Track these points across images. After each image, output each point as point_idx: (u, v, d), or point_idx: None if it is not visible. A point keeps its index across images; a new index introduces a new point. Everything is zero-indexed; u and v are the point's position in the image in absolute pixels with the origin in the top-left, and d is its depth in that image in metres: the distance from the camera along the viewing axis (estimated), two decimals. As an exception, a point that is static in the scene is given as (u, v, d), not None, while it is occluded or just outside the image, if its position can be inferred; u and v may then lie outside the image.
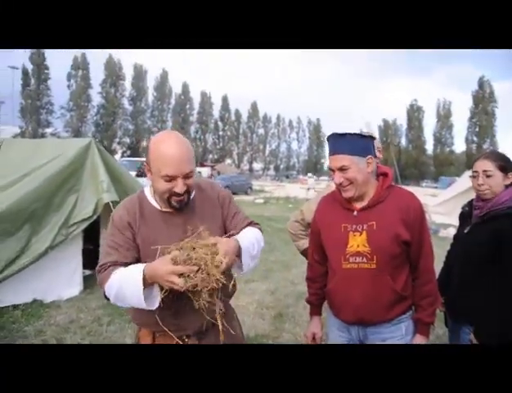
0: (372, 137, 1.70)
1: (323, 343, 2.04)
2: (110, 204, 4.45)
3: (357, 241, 1.64)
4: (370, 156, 1.64)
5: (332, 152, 1.66)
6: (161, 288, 1.28)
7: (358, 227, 1.66)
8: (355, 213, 1.68)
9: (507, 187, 1.94)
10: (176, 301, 1.38)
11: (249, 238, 1.49)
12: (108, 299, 1.41)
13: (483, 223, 1.97)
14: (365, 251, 1.63)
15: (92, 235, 5.17)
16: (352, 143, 1.61)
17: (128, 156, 44.69)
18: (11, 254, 3.88)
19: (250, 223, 1.65)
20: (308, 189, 18.52)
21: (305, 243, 2.39)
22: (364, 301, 1.63)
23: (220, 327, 1.33)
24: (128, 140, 54.98)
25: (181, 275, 1.19)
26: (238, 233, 1.50)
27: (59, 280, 4.45)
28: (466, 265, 2.02)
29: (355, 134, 1.64)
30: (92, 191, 4.60)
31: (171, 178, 1.34)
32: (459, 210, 2.31)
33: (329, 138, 1.69)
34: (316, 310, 1.97)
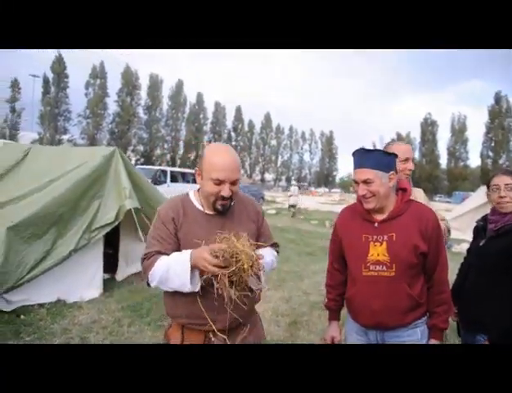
0: (395, 155, 1.82)
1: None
2: (132, 210, 4.63)
3: (378, 251, 1.76)
4: (392, 172, 1.77)
5: (358, 166, 1.78)
6: (202, 274, 1.45)
7: (379, 237, 1.77)
8: (376, 224, 1.80)
9: None
10: (206, 299, 1.51)
11: (269, 258, 1.65)
12: (149, 285, 1.60)
13: (498, 236, 2.06)
14: (384, 260, 1.74)
15: (112, 240, 5.37)
16: (377, 159, 1.74)
17: (142, 164, 45.36)
18: (38, 256, 4.04)
19: (273, 245, 1.83)
20: (290, 196, 18.82)
21: None
22: (383, 306, 1.74)
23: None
24: (141, 148, 55.82)
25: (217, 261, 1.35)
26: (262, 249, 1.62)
27: (81, 282, 4.61)
28: (480, 276, 2.11)
29: (380, 151, 1.80)
30: (115, 198, 4.78)
31: (220, 182, 1.54)
32: (473, 226, 2.41)
33: (355, 153, 1.82)
34: (334, 315, 2.07)
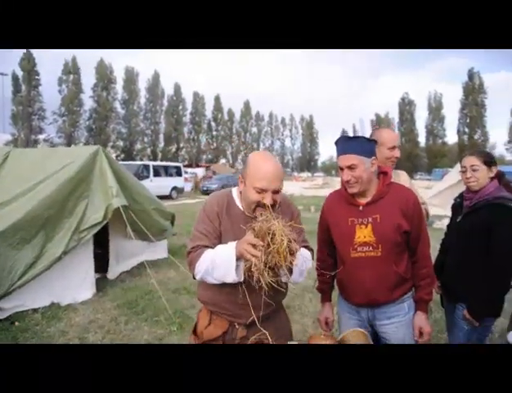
0: (375, 141, 1.93)
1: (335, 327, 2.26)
2: (120, 208, 4.63)
3: (364, 233, 1.87)
4: (374, 157, 1.86)
5: (342, 152, 1.86)
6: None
7: (364, 220, 1.88)
8: (360, 208, 1.90)
9: (492, 179, 2.21)
10: (231, 294, 1.63)
11: (304, 256, 1.62)
12: (194, 278, 1.69)
13: (473, 212, 2.23)
14: (371, 241, 1.86)
15: (101, 239, 5.36)
16: (360, 145, 1.82)
17: (122, 160, 44.68)
18: (28, 261, 4.02)
19: (307, 247, 1.80)
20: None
21: None
22: (373, 285, 1.86)
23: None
24: (121, 143, 54.82)
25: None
26: None
27: (73, 284, 4.62)
28: (458, 250, 2.28)
29: (362, 138, 1.87)
30: (102, 197, 4.76)
31: (262, 191, 1.57)
32: (452, 201, 2.57)
33: (338, 140, 1.90)
34: (326, 297, 2.19)
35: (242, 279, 1.53)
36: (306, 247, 1.78)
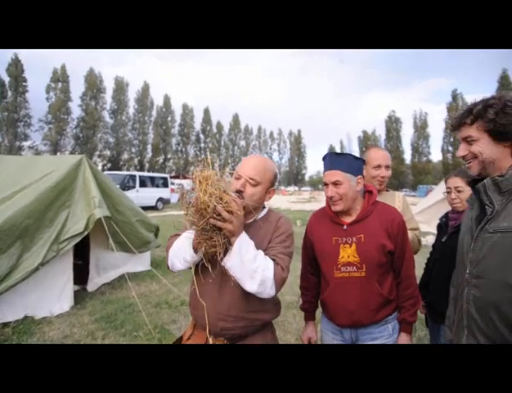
0: (363, 160, 1.91)
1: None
2: (103, 219, 4.53)
3: (348, 253, 1.83)
4: (360, 176, 1.84)
5: (328, 168, 1.84)
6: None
7: (348, 239, 1.84)
8: (345, 227, 1.87)
9: None
10: (198, 300, 1.58)
11: (256, 252, 1.49)
12: (169, 267, 1.70)
13: (458, 232, 2.21)
14: (355, 261, 1.82)
15: (81, 250, 5.22)
16: (347, 162, 1.81)
17: (109, 169, 44.23)
18: (3, 272, 3.86)
19: (275, 259, 1.57)
20: None
21: None
22: (357, 306, 1.81)
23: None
24: (108, 153, 54.32)
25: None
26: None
27: (49, 296, 4.46)
28: (443, 271, 2.25)
29: (350, 155, 1.85)
30: (84, 207, 4.66)
31: (239, 177, 1.63)
32: (437, 218, 2.57)
33: (326, 156, 1.88)
34: (310, 316, 2.14)
35: (196, 254, 1.51)
36: (276, 263, 1.55)
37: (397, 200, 2.40)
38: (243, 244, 1.45)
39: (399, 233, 1.85)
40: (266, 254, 1.55)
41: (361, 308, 1.82)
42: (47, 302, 4.41)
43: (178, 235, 1.68)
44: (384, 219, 1.85)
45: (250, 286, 1.48)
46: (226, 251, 1.45)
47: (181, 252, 1.56)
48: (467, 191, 2.20)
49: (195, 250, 1.50)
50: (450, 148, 57.66)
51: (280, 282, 1.52)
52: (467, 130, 1.41)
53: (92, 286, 5.35)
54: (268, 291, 1.49)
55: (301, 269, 2.16)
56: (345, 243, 1.84)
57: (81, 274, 5.24)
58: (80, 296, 4.97)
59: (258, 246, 1.53)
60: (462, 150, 1.44)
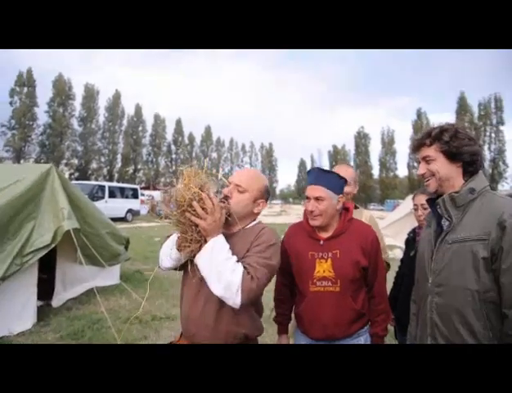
0: (345, 180, 1.96)
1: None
2: (71, 231, 4.37)
3: (323, 267, 1.88)
4: (341, 195, 1.91)
5: (312, 183, 1.89)
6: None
7: (324, 254, 1.89)
8: (321, 242, 1.92)
9: None
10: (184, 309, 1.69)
11: (228, 256, 1.49)
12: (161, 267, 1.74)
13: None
14: (330, 276, 1.87)
15: (47, 264, 5.00)
16: (332, 180, 1.87)
17: (76, 178, 42.83)
18: (-40, 286, 3.65)
19: (247, 267, 1.52)
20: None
21: None
22: (331, 320, 1.86)
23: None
24: (76, 161, 52.67)
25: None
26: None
27: (10, 312, 4.20)
28: (411, 285, 2.34)
29: (335, 174, 1.92)
30: (51, 219, 4.47)
31: (230, 184, 1.71)
32: (404, 232, 2.68)
33: (311, 171, 1.94)
34: (284, 329, 2.15)
35: (179, 253, 1.57)
36: (248, 272, 1.50)
37: (364, 219, 2.43)
38: (216, 244, 1.49)
39: (373, 250, 1.92)
40: (241, 262, 1.53)
41: (336, 322, 1.86)
42: (7, 319, 4.15)
43: (164, 237, 1.76)
44: (359, 235, 1.92)
45: (215, 288, 1.47)
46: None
47: (167, 249, 1.63)
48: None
49: (178, 248, 1.55)
50: (415, 164, 60.05)
51: (247, 291, 1.45)
52: (426, 150, 1.61)
53: (57, 301, 5.11)
54: (234, 297, 1.45)
55: (275, 282, 2.17)
56: (321, 258, 1.89)
57: (45, 289, 5.00)
58: (44, 313, 4.73)
59: (237, 255, 1.54)
60: (421, 168, 1.63)
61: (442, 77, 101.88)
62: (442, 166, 1.56)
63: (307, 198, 1.91)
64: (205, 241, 1.50)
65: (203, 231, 1.48)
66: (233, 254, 1.53)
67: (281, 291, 2.13)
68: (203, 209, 1.45)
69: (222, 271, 1.45)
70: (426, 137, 1.60)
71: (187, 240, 1.50)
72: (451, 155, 1.54)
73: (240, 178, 1.68)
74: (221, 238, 1.52)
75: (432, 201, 1.67)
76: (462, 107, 54.34)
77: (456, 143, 1.53)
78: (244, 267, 1.50)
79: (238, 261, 1.52)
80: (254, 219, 1.76)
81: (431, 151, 1.58)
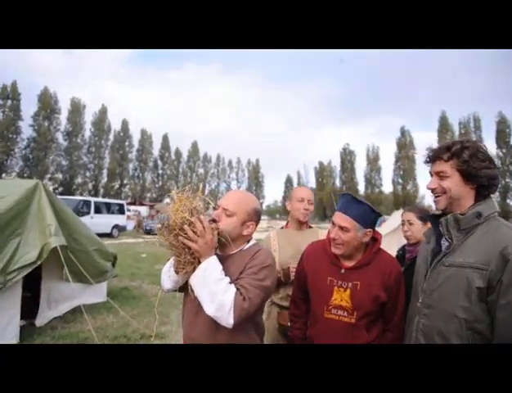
0: (379, 214, 1.86)
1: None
2: (58, 248, 4.29)
3: (341, 296, 1.81)
4: (370, 230, 1.80)
5: (341, 210, 1.79)
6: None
7: (344, 283, 1.82)
8: (342, 270, 1.84)
9: None
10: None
11: (221, 277, 1.52)
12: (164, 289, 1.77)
13: (413, 264, 2.37)
14: (347, 306, 1.80)
15: (31, 281, 4.86)
16: (361, 212, 1.76)
17: (61, 193, 42.10)
18: None
19: (240, 288, 1.55)
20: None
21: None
22: None
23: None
24: (60, 176, 51.83)
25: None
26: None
27: (-9, 333, 4.08)
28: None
29: (368, 206, 1.79)
30: (37, 236, 4.39)
31: (218, 208, 1.71)
32: (392, 247, 2.75)
33: (344, 195, 1.85)
34: (299, 343, 2.07)
35: (176, 275, 1.62)
36: (240, 293, 1.53)
37: (320, 237, 2.49)
38: (209, 266, 1.53)
39: (394, 285, 1.82)
40: (235, 283, 1.57)
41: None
42: (-13, 340, 4.02)
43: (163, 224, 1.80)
44: (383, 270, 1.82)
45: (208, 309, 1.51)
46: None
47: (167, 271, 1.69)
48: (417, 224, 2.44)
49: (175, 271, 1.60)
50: (400, 180, 61.12)
51: (239, 311, 1.48)
52: (442, 165, 1.50)
53: (41, 320, 4.95)
54: (226, 317, 1.47)
55: (291, 296, 2.14)
56: (340, 286, 1.82)
57: (29, 308, 4.85)
58: (27, 332, 4.57)
59: (232, 276, 1.58)
60: (433, 183, 1.53)
61: (423, 97, 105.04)
62: (455, 185, 1.46)
63: (333, 224, 1.83)
64: (199, 263, 1.55)
65: (196, 253, 1.53)
66: (228, 275, 1.57)
67: (298, 305, 2.07)
68: (194, 232, 1.49)
69: (215, 291, 1.48)
70: (445, 152, 1.49)
71: (182, 262, 1.56)
72: (468, 176, 1.44)
73: (228, 202, 1.70)
74: (213, 259, 1.56)
75: (434, 218, 1.60)
76: (443, 126, 55.84)
77: (476, 164, 1.42)
78: (237, 288, 1.53)
79: (231, 282, 1.55)
80: (249, 241, 1.77)
81: (447, 167, 1.48)
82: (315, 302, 1.93)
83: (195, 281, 1.54)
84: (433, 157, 1.54)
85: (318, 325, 1.89)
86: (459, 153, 1.45)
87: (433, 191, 1.54)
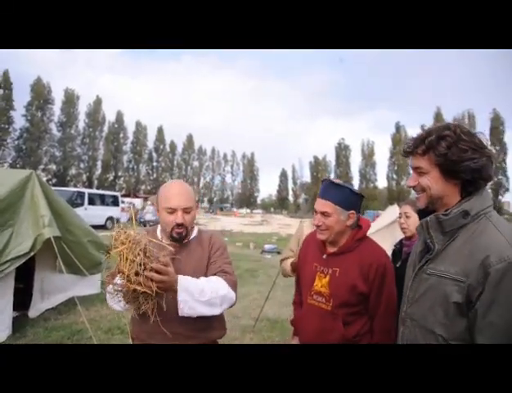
0: (361, 196, 1.83)
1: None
2: (52, 239, 4.26)
3: (322, 282, 1.80)
4: (352, 211, 1.77)
5: (321, 196, 1.79)
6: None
7: (325, 269, 1.82)
8: (324, 256, 1.85)
9: None
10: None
11: (200, 284, 1.52)
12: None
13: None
14: (325, 293, 1.78)
15: (24, 273, 4.84)
16: (342, 195, 1.74)
17: (54, 184, 41.75)
18: None
19: (220, 272, 1.68)
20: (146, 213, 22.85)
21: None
22: (315, 336, 1.79)
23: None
24: (54, 167, 51.40)
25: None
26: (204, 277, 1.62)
27: (-17, 324, 4.06)
28: (398, 295, 2.40)
29: (348, 188, 1.76)
30: (30, 226, 4.36)
31: (173, 210, 1.65)
32: (385, 242, 2.76)
33: (323, 182, 1.84)
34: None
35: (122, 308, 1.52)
36: (224, 273, 1.67)
37: (305, 224, 2.65)
38: (185, 287, 1.45)
39: (376, 277, 1.72)
40: (209, 270, 1.69)
41: (319, 340, 1.76)
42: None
43: (113, 275, 1.56)
44: (363, 259, 1.76)
45: (215, 312, 1.57)
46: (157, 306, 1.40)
47: (115, 300, 1.49)
48: (414, 217, 2.42)
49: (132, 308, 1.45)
50: (394, 176, 61.44)
51: (235, 286, 1.67)
52: (418, 160, 1.29)
53: (34, 311, 4.93)
54: (230, 301, 1.63)
55: (295, 285, 2.15)
56: (322, 272, 1.82)
57: (22, 299, 4.83)
58: (20, 324, 4.56)
59: (195, 268, 1.66)
60: (412, 180, 1.34)
61: (419, 93, 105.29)
62: (435, 182, 1.26)
63: (315, 211, 1.82)
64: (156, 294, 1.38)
65: (164, 290, 1.38)
66: (192, 262, 1.67)
67: (298, 294, 2.09)
68: (158, 272, 1.33)
69: (209, 299, 1.52)
70: (419, 145, 1.27)
71: (143, 307, 1.37)
72: (448, 172, 1.23)
73: (185, 202, 1.66)
74: (183, 280, 1.46)
75: (422, 214, 1.37)
76: (438, 122, 56.03)
77: (456, 157, 1.19)
78: (219, 271, 1.68)
79: (209, 271, 1.69)
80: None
81: (424, 163, 1.27)
82: (303, 289, 1.95)
83: (187, 311, 1.48)
84: (409, 151, 1.32)
85: (303, 310, 1.92)
86: (434, 145, 1.22)
87: (413, 188, 1.35)
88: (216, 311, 1.58)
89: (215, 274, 1.67)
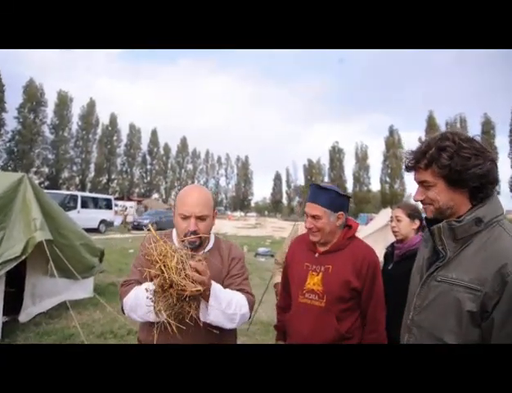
0: (348, 197, 1.96)
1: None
2: (44, 242, 4.22)
3: (314, 280, 1.88)
4: (341, 212, 1.89)
5: (310, 200, 1.89)
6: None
7: (317, 268, 1.89)
8: (316, 255, 1.93)
9: (418, 231, 2.44)
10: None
11: (229, 296, 1.53)
12: (124, 312, 1.63)
13: (402, 260, 2.41)
14: (318, 290, 1.85)
15: (15, 276, 4.78)
16: (329, 198, 1.85)
17: (46, 187, 41.41)
18: None
19: (242, 290, 1.65)
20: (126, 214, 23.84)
21: (276, 279, 2.98)
22: (310, 334, 1.84)
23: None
24: (46, 170, 50.96)
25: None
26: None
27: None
28: (390, 296, 2.42)
29: (333, 191, 1.87)
30: (22, 230, 4.32)
31: (186, 217, 1.58)
32: (378, 245, 2.78)
33: (311, 186, 1.94)
34: (281, 336, 2.14)
35: (164, 319, 1.36)
36: (246, 293, 1.67)
37: (299, 227, 2.72)
38: (216, 294, 1.46)
39: (368, 273, 1.84)
40: (229, 285, 1.63)
41: (314, 337, 1.82)
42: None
43: (130, 282, 1.63)
44: (355, 256, 1.87)
45: (230, 327, 1.57)
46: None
47: (140, 311, 1.48)
48: (405, 221, 2.46)
49: (157, 315, 1.37)
50: (387, 179, 61.81)
51: (253, 306, 1.67)
52: (422, 175, 1.28)
53: (24, 316, 4.86)
54: (244, 321, 1.63)
55: (279, 290, 2.20)
56: (314, 270, 1.89)
57: (12, 303, 4.76)
58: (10, 329, 4.49)
59: (214, 279, 1.54)
60: (419, 194, 1.32)
61: (412, 97, 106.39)
62: (442, 193, 1.25)
63: (306, 215, 1.91)
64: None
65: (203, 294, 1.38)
66: (212, 272, 1.50)
67: (283, 298, 2.14)
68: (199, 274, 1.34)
69: (233, 313, 1.52)
70: (420, 159, 1.27)
71: (183, 312, 1.36)
72: (453, 182, 1.21)
73: (200, 208, 1.59)
74: (215, 287, 1.46)
75: (429, 223, 1.36)
76: (431, 126, 56.66)
77: (459, 166, 1.18)
78: (240, 290, 1.64)
79: (227, 286, 1.63)
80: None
81: (428, 176, 1.26)
82: (293, 289, 1.99)
83: (211, 317, 1.46)
84: (411, 166, 1.32)
85: (293, 310, 1.95)
86: (436, 158, 1.22)
87: (421, 202, 1.34)
88: (232, 326, 1.57)
89: (238, 290, 1.64)
